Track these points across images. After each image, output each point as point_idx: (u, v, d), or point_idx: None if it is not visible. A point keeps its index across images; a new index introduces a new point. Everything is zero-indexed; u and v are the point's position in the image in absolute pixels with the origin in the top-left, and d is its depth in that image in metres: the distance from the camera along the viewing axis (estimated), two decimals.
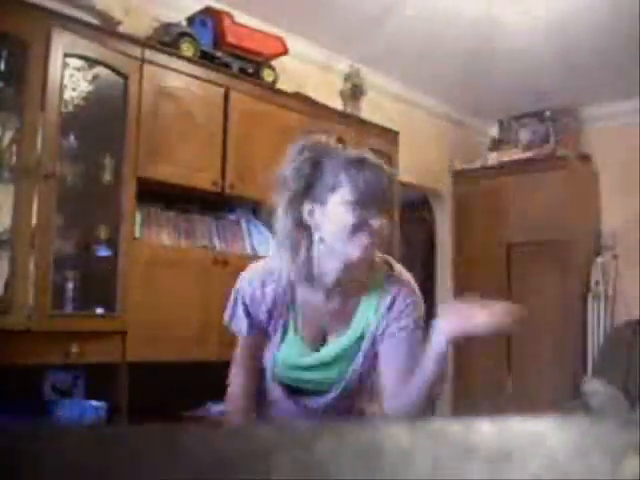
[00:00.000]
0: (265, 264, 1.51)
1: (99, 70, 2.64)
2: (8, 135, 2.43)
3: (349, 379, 1.46)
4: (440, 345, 1.30)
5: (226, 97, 2.98)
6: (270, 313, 1.46)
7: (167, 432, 0.31)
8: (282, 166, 1.39)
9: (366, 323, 1.44)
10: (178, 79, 2.82)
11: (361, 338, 1.44)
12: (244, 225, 3.15)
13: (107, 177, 2.63)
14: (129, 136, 2.62)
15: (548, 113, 4.81)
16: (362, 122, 3.75)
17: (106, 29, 2.69)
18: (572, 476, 0.29)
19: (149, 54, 2.72)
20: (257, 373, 1.55)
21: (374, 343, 1.44)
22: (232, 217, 3.16)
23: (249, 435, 0.31)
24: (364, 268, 1.41)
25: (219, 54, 3.04)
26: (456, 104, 4.87)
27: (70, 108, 2.56)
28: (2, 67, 2.45)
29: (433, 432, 0.32)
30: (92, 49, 2.56)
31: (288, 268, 1.42)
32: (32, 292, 2.31)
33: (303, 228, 1.37)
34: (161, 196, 2.88)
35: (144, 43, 2.76)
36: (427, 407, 1.40)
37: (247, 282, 1.47)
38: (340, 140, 1.46)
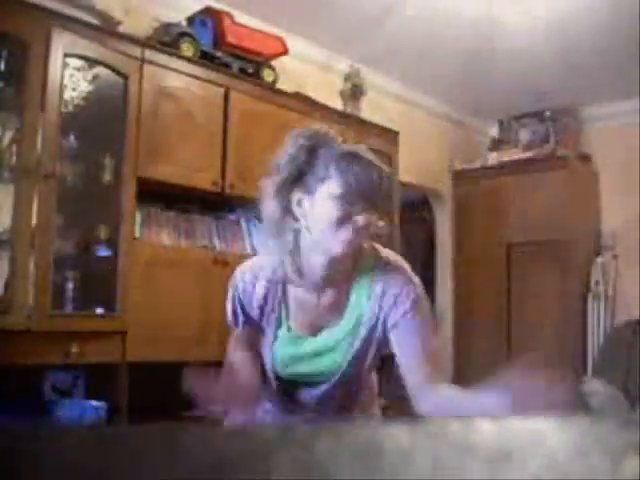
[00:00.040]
0: (257, 260, 1.52)
1: (99, 70, 2.65)
2: (8, 135, 2.43)
3: (345, 369, 1.45)
4: (488, 406, 1.17)
5: (226, 97, 2.98)
6: (261, 308, 1.46)
7: (167, 432, 0.31)
8: (278, 154, 1.38)
9: (360, 311, 1.43)
10: (178, 79, 2.82)
11: (357, 325, 1.43)
12: (244, 225, 3.15)
13: (107, 177, 2.63)
14: (129, 136, 2.62)
15: (548, 113, 4.81)
16: (362, 122, 3.75)
17: (106, 29, 2.69)
18: (572, 476, 0.29)
19: (149, 54, 2.72)
20: (257, 358, 1.52)
21: (372, 330, 1.42)
22: (232, 217, 3.16)
23: (249, 435, 0.31)
24: (348, 262, 1.40)
25: (219, 54, 3.04)
26: (456, 104, 4.87)
27: (70, 108, 2.56)
28: (2, 67, 2.45)
29: (433, 432, 0.32)
30: (92, 49, 2.56)
31: (276, 259, 1.42)
32: (32, 292, 2.31)
33: (291, 217, 1.36)
34: (161, 196, 2.88)
35: (144, 43, 2.76)
36: None
37: (240, 277, 1.48)
38: (343, 141, 1.45)
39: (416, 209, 5.32)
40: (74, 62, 2.55)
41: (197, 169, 2.85)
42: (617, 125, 4.74)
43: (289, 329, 1.47)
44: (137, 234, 2.69)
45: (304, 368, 1.48)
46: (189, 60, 2.87)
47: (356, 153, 1.35)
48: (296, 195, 1.35)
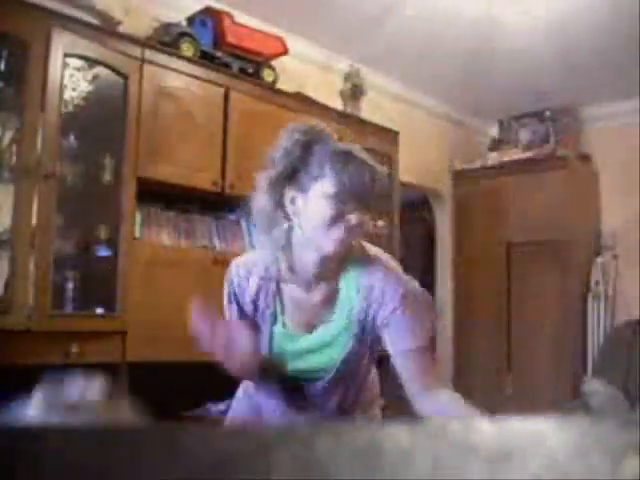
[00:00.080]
0: (251, 255, 1.53)
1: (99, 70, 2.65)
2: (8, 135, 2.43)
3: (340, 365, 1.45)
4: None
5: (226, 97, 2.98)
6: (255, 304, 1.46)
7: (167, 432, 0.31)
8: (274, 147, 1.39)
9: (350, 304, 1.42)
10: (178, 79, 2.82)
11: (350, 321, 1.42)
12: (244, 225, 3.15)
13: (107, 177, 2.64)
14: (129, 136, 2.62)
15: (548, 113, 4.81)
16: (362, 122, 3.75)
17: (106, 29, 2.69)
18: (572, 476, 0.29)
19: (149, 54, 2.72)
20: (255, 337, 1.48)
21: (364, 327, 1.42)
22: (232, 217, 3.16)
23: (249, 435, 0.31)
24: (339, 259, 1.40)
25: (219, 54, 3.04)
26: (456, 104, 4.87)
27: (70, 108, 2.56)
28: (2, 67, 2.45)
29: (433, 432, 0.32)
30: (92, 49, 2.56)
31: (269, 255, 1.42)
32: (32, 292, 2.31)
33: (283, 213, 1.36)
34: (161, 196, 2.88)
35: (144, 43, 2.76)
36: None
37: (235, 271, 1.49)
38: (340, 140, 1.45)
39: (416, 209, 5.32)
40: (74, 62, 2.55)
41: (197, 169, 2.85)
42: (617, 125, 4.74)
43: (284, 325, 1.47)
44: (137, 234, 2.69)
45: (301, 364, 1.48)
46: (189, 60, 2.87)
47: (350, 152, 1.34)
48: (289, 193, 1.35)
